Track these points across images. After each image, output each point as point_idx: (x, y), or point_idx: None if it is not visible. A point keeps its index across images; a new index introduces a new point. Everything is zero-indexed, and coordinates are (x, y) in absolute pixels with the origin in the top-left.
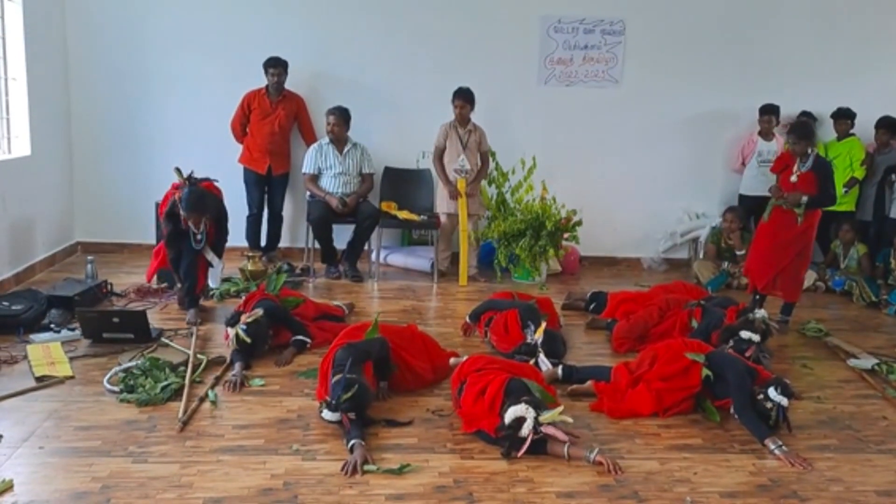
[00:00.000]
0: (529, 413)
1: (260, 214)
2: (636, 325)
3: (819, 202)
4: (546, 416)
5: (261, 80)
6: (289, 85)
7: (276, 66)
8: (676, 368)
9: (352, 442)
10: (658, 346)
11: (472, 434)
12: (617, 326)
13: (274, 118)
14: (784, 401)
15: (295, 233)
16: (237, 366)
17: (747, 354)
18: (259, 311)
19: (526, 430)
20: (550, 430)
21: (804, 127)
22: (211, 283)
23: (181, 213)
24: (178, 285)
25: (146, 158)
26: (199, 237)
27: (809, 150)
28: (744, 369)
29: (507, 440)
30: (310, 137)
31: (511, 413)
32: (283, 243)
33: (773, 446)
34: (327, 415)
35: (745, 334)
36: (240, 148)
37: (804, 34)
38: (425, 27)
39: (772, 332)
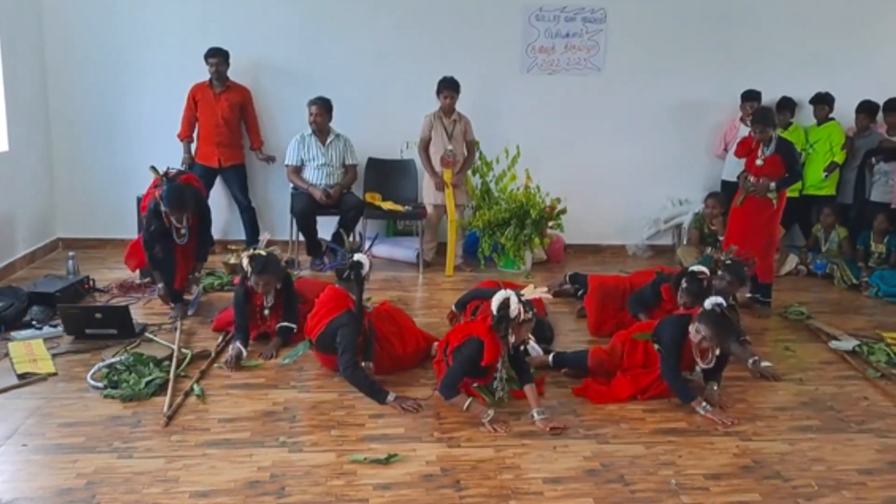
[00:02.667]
0: (510, 293)
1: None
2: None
3: (789, 182)
4: (525, 291)
5: (244, 73)
6: (271, 77)
7: (215, 56)
8: (640, 354)
9: (388, 397)
10: (620, 335)
11: (461, 347)
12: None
13: (218, 109)
14: (720, 301)
15: (279, 225)
16: (237, 343)
17: (706, 287)
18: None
19: (515, 307)
20: (534, 296)
21: (766, 114)
22: (189, 312)
23: (163, 210)
24: (159, 285)
25: (127, 153)
26: (182, 231)
27: (773, 135)
28: (672, 329)
29: (502, 324)
30: (254, 132)
31: (496, 300)
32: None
33: (699, 409)
34: (358, 255)
35: (696, 268)
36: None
37: (785, 20)
38: (407, 16)
39: (740, 284)
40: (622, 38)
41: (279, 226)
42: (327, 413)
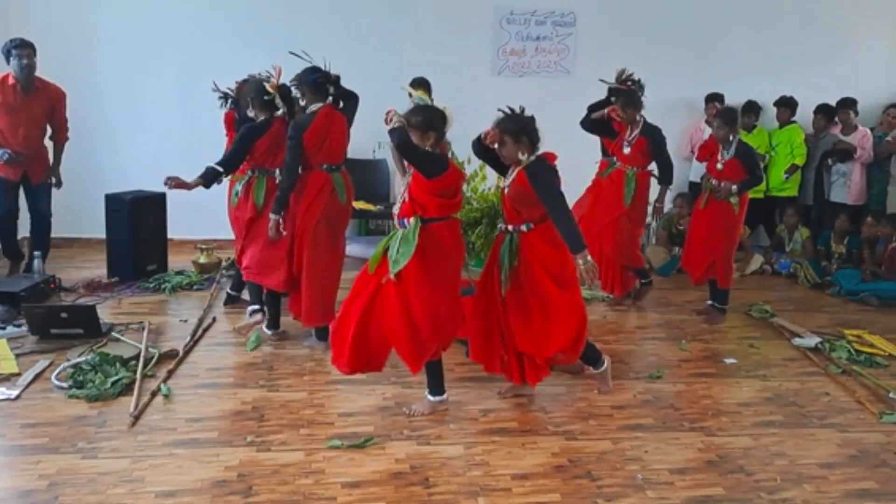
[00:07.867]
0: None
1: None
2: None
3: (748, 185)
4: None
5: (212, 74)
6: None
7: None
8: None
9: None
10: None
11: None
12: None
13: (27, 116)
14: None
15: None
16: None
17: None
18: None
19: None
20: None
21: (729, 113)
22: None
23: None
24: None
25: (95, 151)
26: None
27: (731, 138)
28: (547, 172)
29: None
30: (62, 137)
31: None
32: None
33: (580, 261)
34: None
35: None
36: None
37: (750, 25)
38: (379, 18)
39: None
40: (591, 42)
41: None
42: (296, 412)
